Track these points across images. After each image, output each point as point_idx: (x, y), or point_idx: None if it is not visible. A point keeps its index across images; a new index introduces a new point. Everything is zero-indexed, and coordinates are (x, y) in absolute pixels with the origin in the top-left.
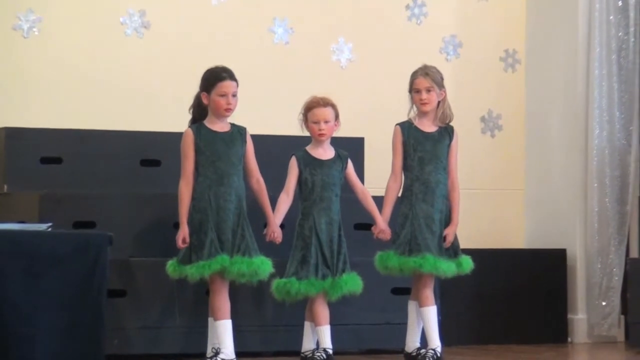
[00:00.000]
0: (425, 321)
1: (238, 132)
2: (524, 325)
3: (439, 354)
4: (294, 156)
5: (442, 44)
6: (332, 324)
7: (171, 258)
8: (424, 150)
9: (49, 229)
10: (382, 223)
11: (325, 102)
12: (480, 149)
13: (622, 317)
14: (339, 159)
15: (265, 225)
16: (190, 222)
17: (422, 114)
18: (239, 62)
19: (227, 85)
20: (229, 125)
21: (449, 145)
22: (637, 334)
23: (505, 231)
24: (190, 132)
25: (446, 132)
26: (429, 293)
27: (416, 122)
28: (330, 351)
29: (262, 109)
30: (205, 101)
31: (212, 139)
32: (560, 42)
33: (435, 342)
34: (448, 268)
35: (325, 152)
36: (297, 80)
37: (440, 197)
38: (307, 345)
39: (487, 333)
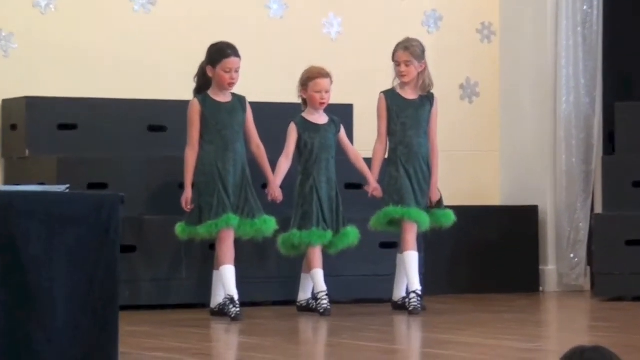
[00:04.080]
0: (405, 265)
1: (238, 101)
2: (500, 275)
3: (419, 293)
4: (293, 122)
5: (424, 18)
6: (325, 276)
7: (178, 215)
8: (407, 116)
9: (67, 190)
10: (374, 182)
11: (326, 73)
12: (459, 114)
13: (588, 267)
14: (333, 123)
15: (263, 186)
16: (198, 186)
17: (403, 83)
18: (237, 36)
19: (231, 62)
20: (231, 96)
21: (429, 112)
22: (602, 283)
23: (482, 189)
24: (196, 102)
25: (427, 99)
26: (409, 238)
27: (399, 90)
28: (326, 293)
29: (259, 79)
30: (210, 74)
31: (217, 109)
32: (531, 15)
33: (415, 285)
34: (426, 220)
35: (321, 118)
36: (291, 51)
37: (421, 158)
38: (303, 295)
39: (465, 283)
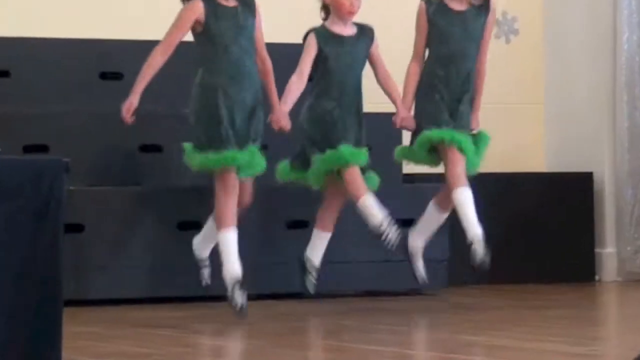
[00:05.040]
0: (458, 207)
1: (246, 3)
2: (544, 261)
3: (482, 238)
4: (313, 33)
5: None
6: (323, 263)
7: (136, 186)
8: (452, 35)
9: None
10: (404, 110)
11: None
12: (493, 57)
13: None
14: (364, 34)
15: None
16: (197, 116)
17: None
18: None
19: None
20: None
21: (483, 24)
22: None
23: (522, 152)
24: (200, 4)
25: (482, 10)
26: (458, 171)
27: None
28: (391, 218)
29: None
30: None
31: (224, 15)
32: None
33: (475, 229)
34: (469, 143)
35: (347, 28)
36: None
37: (465, 91)
38: (311, 253)
39: (501, 271)
